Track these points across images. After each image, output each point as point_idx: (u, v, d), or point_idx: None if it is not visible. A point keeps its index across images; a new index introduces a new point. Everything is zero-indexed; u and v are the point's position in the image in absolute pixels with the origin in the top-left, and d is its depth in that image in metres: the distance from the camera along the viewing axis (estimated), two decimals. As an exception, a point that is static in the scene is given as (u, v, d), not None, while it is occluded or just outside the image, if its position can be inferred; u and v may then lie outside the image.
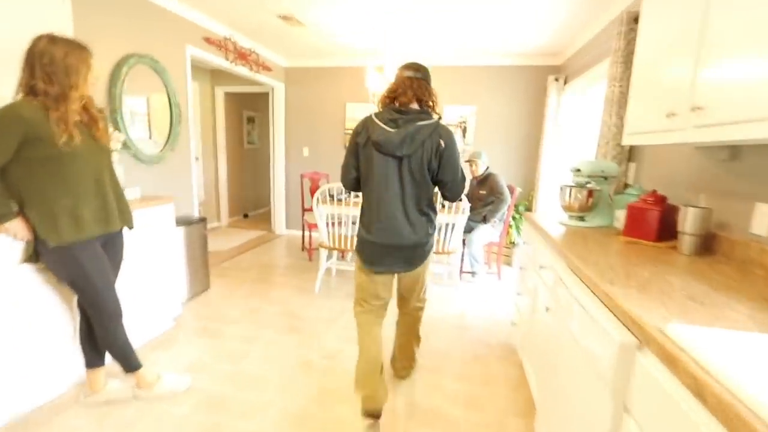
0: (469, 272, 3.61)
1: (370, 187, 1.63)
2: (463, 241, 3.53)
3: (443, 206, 3.30)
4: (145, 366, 1.79)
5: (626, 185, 2.27)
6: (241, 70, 3.95)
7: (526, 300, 2.10)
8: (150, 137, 2.91)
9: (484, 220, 3.48)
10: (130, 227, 1.78)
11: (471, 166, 3.56)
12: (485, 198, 3.51)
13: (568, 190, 1.92)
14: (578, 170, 1.94)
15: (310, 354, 2.23)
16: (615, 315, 0.95)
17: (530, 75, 4.23)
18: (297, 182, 4.75)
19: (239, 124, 5.91)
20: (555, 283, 1.51)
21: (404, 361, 2.04)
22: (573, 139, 3.75)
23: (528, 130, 4.33)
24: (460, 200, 2.95)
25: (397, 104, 1.62)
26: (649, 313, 0.85)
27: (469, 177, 2.80)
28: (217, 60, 3.57)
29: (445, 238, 3.13)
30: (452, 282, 3.47)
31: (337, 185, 2.96)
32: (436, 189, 1.69)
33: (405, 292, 1.84)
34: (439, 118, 1.65)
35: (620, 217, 1.80)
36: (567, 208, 1.96)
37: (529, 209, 4.22)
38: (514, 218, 4.02)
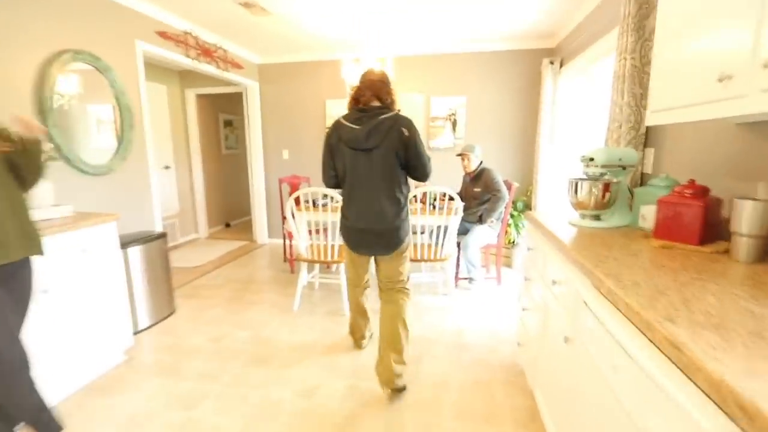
0: (465, 278, 3.28)
1: (346, 181, 1.84)
2: (458, 244, 3.20)
3: (434, 207, 2.97)
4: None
5: (643, 175, 1.94)
6: (207, 68, 3.59)
7: (533, 317, 1.76)
8: (95, 145, 2.54)
9: (480, 220, 3.14)
10: (40, 254, 1.43)
11: (463, 160, 3.23)
12: (480, 196, 3.18)
13: (579, 184, 1.58)
14: (591, 159, 1.60)
15: (281, 392, 1.88)
16: (693, 381, 0.61)
17: (523, 60, 3.90)
18: (277, 187, 4.39)
19: (215, 128, 5.54)
20: (575, 305, 1.18)
21: (391, 356, 1.81)
22: (573, 127, 3.43)
23: (523, 120, 4.00)
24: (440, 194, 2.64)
25: (360, 105, 1.80)
26: (754, 381, 0.52)
27: (455, 174, 2.46)
28: (175, 57, 3.21)
29: (437, 243, 2.79)
30: (448, 291, 3.13)
31: (312, 190, 2.61)
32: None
33: (384, 278, 1.97)
34: (398, 111, 1.81)
35: (646, 214, 1.47)
36: (579, 206, 1.63)
37: (528, 206, 3.89)
38: (512, 216, 3.68)
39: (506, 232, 3.53)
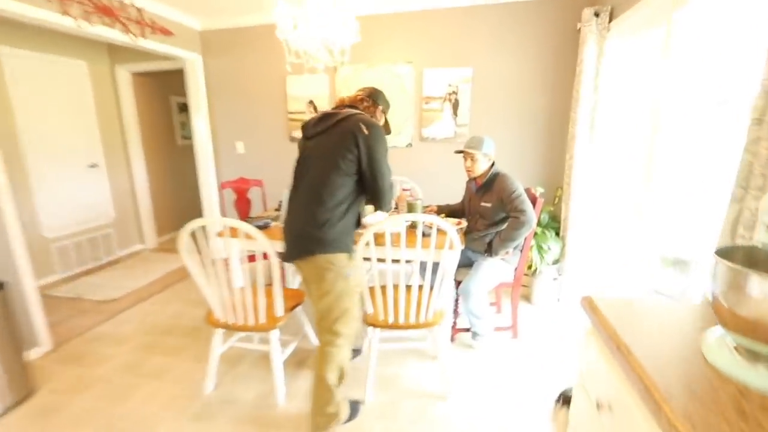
0: (466, 329, 2.29)
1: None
2: (457, 283, 2.20)
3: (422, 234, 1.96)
4: None
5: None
6: (105, 32, 2.58)
7: None
8: None
9: (490, 250, 2.13)
10: None
11: (466, 161, 2.19)
12: (490, 214, 2.15)
13: (751, 278, 0.56)
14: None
15: None
16: None
17: (553, 12, 2.77)
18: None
19: (167, 114, 4.55)
20: None
21: (313, 417, 1.62)
22: (627, 113, 2.34)
23: (551, 101, 2.90)
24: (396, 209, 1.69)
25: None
26: None
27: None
28: (42, 14, 2.20)
29: (419, 299, 1.80)
30: (438, 354, 2.15)
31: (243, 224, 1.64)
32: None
33: (315, 309, 1.59)
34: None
35: None
36: (739, 326, 0.61)
37: (555, 218, 2.85)
38: (534, 234, 2.65)
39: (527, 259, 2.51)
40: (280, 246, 1.63)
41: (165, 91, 4.45)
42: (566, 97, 2.81)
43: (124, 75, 3.86)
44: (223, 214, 3.14)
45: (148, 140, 4.23)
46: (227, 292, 1.74)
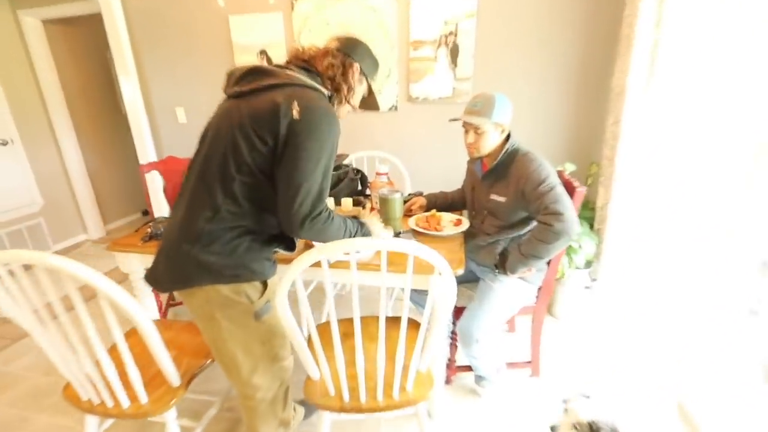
0: (465, 368, 1.65)
1: None
2: (456, 311, 1.54)
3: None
4: None
5: None
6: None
7: None
8: None
9: (503, 264, 1.44)
10: None
11: (467, 134, 1.43)
12: (505, 213, 1.44)
13: None
14: None
15: None
16: None
17: None
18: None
19: (104, 74, 3.73)
20: None
21: None
22: (701, 66, 1.55)
23: (586, 42, 2.09)
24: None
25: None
26: None
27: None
28: None
29: (388, 353, 1.13)
30: (425, 428, 1.53)
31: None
32: None
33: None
34: (331, 96, 1.09)
35: None
36: None
37: (588, 206, 2.13)
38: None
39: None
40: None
41: (98, 46, 3.60)
42: (610, 37, 1.99)
43: (32, 24, 3.03)
44: (148, 206, 2.45)
45: (80, 109, 3.46)
46: (77, 356, 1.08)
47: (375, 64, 1.17)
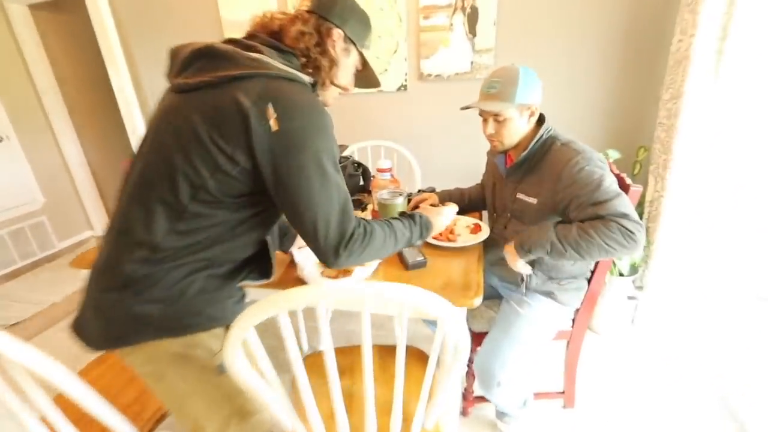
0: (483, 398, 1.39)
1: None
2: (473, 337, 1.27)
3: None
4: None
5: None
6: None
7: None
8: None
9: (525, 284, 1.15)
10: None
11: (486, 124, 1.12)
12: (536, 216, 1.12)
13: None
14: None
15: None
16: None
17: None
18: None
19: (100, 63, 3.54)
20: None
21: None
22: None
23: (636, 15, 1.70)
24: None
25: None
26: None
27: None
28: None
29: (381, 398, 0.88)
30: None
31: None
32: None
33: None
34: (315, 84, 0.83)
35: None
36: None
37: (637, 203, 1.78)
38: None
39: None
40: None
41: (91, 33, 3.39)
42: (665, 9, 1.61)
43: (18, 11, 2.84)
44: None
45: (76, 100, 3.30)
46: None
47: (364, 24, 0.88)
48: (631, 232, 0.92)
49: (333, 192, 0.73)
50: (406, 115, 2.16)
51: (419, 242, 0.95)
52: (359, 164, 1.70)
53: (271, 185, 0.72)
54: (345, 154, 1.81)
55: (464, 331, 0.68)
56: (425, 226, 0.94)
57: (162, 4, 2.37)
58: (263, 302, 0.61)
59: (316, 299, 0.61)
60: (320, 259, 0.79)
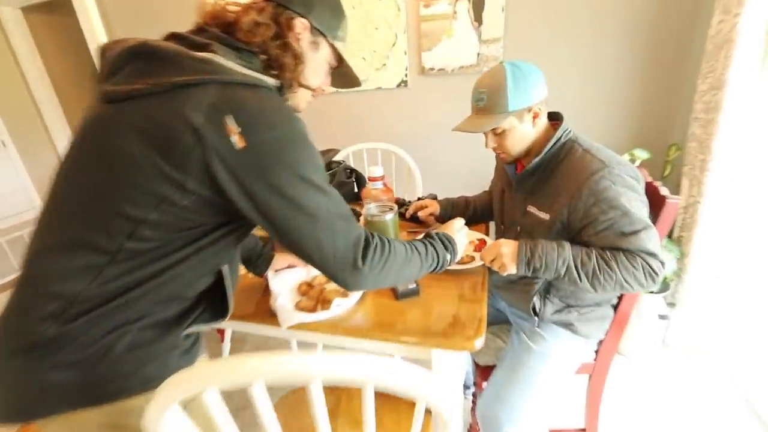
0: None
1: None
2: (479, 371, 1.10)
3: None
4: None
5: None
6: None
7: None
8: None
9: (542, 305, 0.97)
10: None
11: (485, 136, 0.95)
12: (548, 234, 0.92)
13: None
14: None
15: None
16: None
17: None
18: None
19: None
20: None
21: None
22: None
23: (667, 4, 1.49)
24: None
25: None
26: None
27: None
28: None
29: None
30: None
31: None
32: None
33: None
34: (282, 87, 0.68)
35: None
36: None
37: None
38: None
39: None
40: None
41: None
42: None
43: (10, 13, 2.77)
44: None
45: (73, 104, 3.23)
46: None
47: (335, 11, 0.73)
48: (655, 273, 0.79)
49: (326, 203, 0.62)
50: (405, 114, 1.98)
51: (448, 265, 0.80)
52: (352, 170, 1.54)
53: (248, 212, 0.59)
54: (337, 158, 1.65)
55: (453, 403, 0.51)
56: (450, 245, 0.80)
57: (150, 7, 2.25)
58: (186, 373, 0.46)
59: (250, 377, 0.45)
60: (339, 284, 0.66)
